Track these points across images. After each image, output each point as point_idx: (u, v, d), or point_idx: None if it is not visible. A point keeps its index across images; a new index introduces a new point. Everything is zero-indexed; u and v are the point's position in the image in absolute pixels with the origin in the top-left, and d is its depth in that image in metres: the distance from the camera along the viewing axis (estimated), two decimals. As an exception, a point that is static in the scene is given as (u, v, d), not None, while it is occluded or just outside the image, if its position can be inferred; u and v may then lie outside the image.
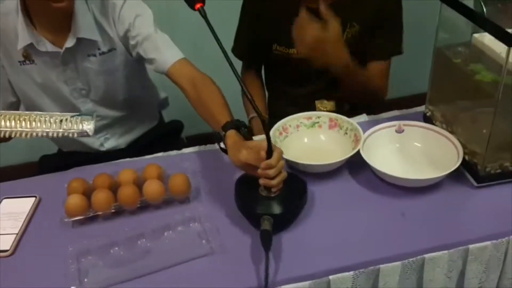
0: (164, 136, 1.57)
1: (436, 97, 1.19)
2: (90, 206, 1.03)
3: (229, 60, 0.93)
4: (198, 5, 0.95)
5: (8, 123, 1.07)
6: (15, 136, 1.08)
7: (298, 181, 1.03)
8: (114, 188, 1.06)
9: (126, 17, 1.27)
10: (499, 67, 0.95)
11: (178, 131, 1.65)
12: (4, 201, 1.11)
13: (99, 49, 1.29)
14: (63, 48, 1.25)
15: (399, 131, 1.16)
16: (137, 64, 1.37)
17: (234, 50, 1.51)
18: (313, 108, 1.47)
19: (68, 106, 1.35)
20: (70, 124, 1.08)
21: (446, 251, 0.94)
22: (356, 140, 1.12)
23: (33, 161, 1.63)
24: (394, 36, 1.42)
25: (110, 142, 1.46)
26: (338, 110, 1.42)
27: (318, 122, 1.22)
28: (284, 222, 0.97)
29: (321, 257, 0.93)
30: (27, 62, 1.28)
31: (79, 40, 1.25)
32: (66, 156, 1.52)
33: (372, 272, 0.92)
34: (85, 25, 1.25)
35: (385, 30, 1.38)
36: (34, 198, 1.11)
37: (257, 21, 1.43)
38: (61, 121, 1.07)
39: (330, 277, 0.90)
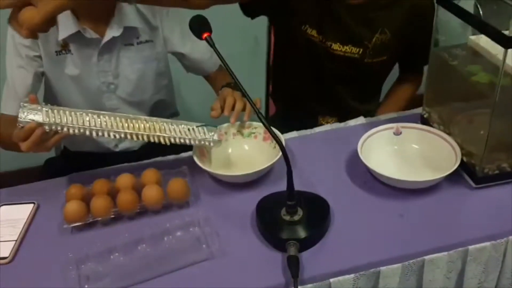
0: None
1: (433, 99, 1.19)
2: (89, 212, 1.03)
3: (235, 77, 0.97)
4: (205, 35, 1.00)
5: (137, 125, 1.06)
6: (142, 139, 1.06)
7: (320, 202, 1.02)
8: (113, 193, 1.06)
9: (175, 17, 1.34)
10: (496, 69, 0.96)
11: None
12: (3, 207, 1.10)
13: (137, 38, 1.31)
14: (109, 37, 1.27)
15: (397, 133, 1.16)
16: (166, 62, 1.43)
17: None
18: (313, 107, 1.48)
19: (93, 101, 1.35)
20: (197, 133, 1.11)
21: (445, 252, 0.94)
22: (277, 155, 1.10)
23: (32, 166, 1.63)
24: (428, 48, 1.38)
25: (125, 144, 1.47)
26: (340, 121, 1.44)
27: (254, 133, 1.22)
28: (310, 244, 0.95)
29: (321, 259, 0.93)
30: (63, 52, 1.29)
31: (124, 29, 1.27)
32: (71, 158, 1.52)
33: (372, 274, 0.92)
34: (129, 13, 1.28)
35: (421, 44, 1.32)
36: (32, 205, 1.10)
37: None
38: (188, 129, 1.11)
39: (331, 280, 0.91)
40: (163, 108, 1.50)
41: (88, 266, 0.94)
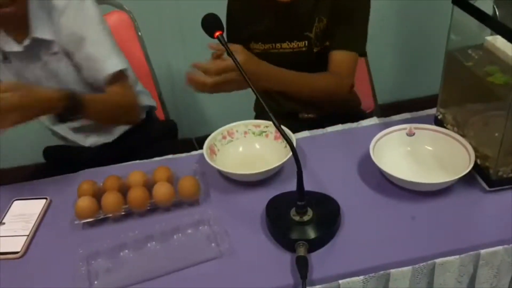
0: (158, 136, 1.58)
1: (447, 100, 1.18)
2: (100, 208, 1.04)
3: (246, 76, 0.96)
4: (217, 33, 1.00)
5: None
6: None
7: (331, 202, 1.02)
8: (124, 190, 1.06)
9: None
10: (512, 70, 0.94)
11: (171, 131, 1.66)
12: (15, 202, 1.12)
13: (53, 48, 1.31)
14: (20, 48, 1.29)
15: (410, 134, 1.15)
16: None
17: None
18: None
19: None
20: None
21: (457, 256, 0.93)
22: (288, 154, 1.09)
23: (43, 161, 1.65)
24: (356, 30, 1.37)
25: (92, 139, 1.49)
26: (320, 117, 1.48)
27: (265, 132, 1.21)
28: (319, 245, 0.95)
29: (330, 260, 0.92)
30: (6, 61, 1.33)
31: (36, 40, 1.28)
32: (63, 148, 1.56)
33: (382, 277, 0.92)
34: (39, 25, 1.27)
35: (347, 21, 1.35)
36: (44, 200, 1.11)
37: (234, 21, 1.45)
38: None
39: (340, 281, 0.90)
40: None
41: (98, 262, 0.95)
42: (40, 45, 1.30)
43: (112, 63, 1.31)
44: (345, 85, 1.36)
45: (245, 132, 1.22)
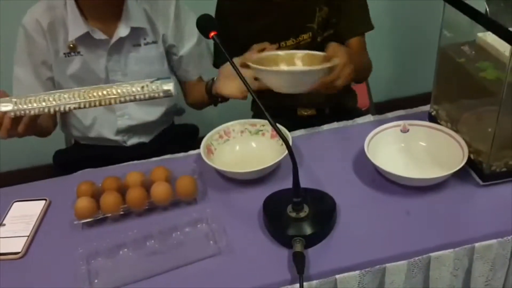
0: (181, 138, 1.60)
1: (441, 96, 1.19)
2: (99, 208, 1.05)
3: (242, 76, 0.97)
4: (212, 34, 1.02)
5: (96, 94, 1.10)
6: (104, 104, 1.10)
7: (326, 198, 1.03)
8: (122, 190, 1.07)
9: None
10: (503, 66, 0.95)
11: (194, 133, 1.68)
12: (15, 204, 1.13)
13: (144, 38, 1.35)
14: (117, 37, 1.31)
15: (404, 130, 1.16)
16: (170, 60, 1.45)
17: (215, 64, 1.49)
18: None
19: None
20: (151, 88, 1.11)
21: (452, 250, 0.94)
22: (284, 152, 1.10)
23: (42, 164, 1.65)
24: (359, 12, 1.43)
25: (134, 140, 1.50)
26: (318, 114, 1.50)
27: (262, 130, 1.23)
28: (315, 241, 0.96)
29: (327, 256, 0.94)
30: (72, 53, 1.32)
31: (131, 29, 1.31)
32: (81, 149, 1.55)
33: (378, 271, 0.93)
34: (136, 14, 1.31)
35: (349, 6, 1.39)
36: (44, 201, 1.12)
37: (228, 24, 1.41)
38: (142, 87, 1.10)
39: (337, 276, 0.91)
40: (170, 106, 1.52)
41: (98, 261, 0.96)
42: (131, 35, 1.32)
43: (211, 61, 1.46)
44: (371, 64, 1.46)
45: (242, 131, 1.23)
